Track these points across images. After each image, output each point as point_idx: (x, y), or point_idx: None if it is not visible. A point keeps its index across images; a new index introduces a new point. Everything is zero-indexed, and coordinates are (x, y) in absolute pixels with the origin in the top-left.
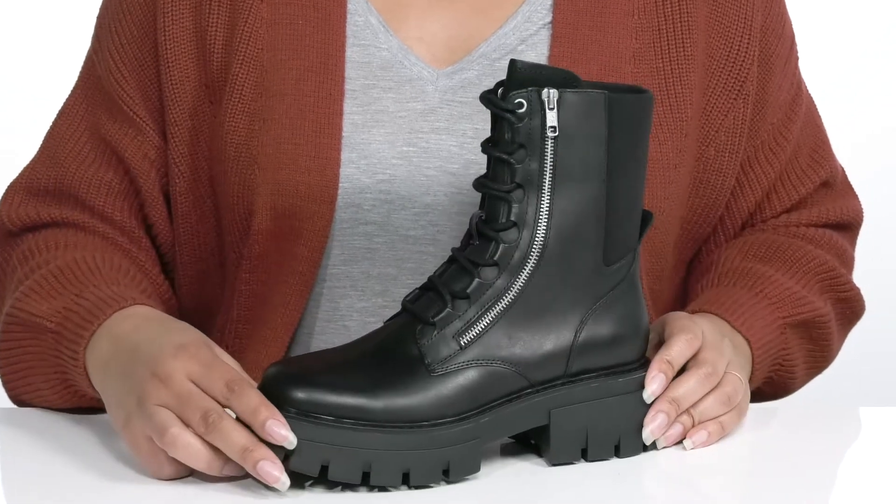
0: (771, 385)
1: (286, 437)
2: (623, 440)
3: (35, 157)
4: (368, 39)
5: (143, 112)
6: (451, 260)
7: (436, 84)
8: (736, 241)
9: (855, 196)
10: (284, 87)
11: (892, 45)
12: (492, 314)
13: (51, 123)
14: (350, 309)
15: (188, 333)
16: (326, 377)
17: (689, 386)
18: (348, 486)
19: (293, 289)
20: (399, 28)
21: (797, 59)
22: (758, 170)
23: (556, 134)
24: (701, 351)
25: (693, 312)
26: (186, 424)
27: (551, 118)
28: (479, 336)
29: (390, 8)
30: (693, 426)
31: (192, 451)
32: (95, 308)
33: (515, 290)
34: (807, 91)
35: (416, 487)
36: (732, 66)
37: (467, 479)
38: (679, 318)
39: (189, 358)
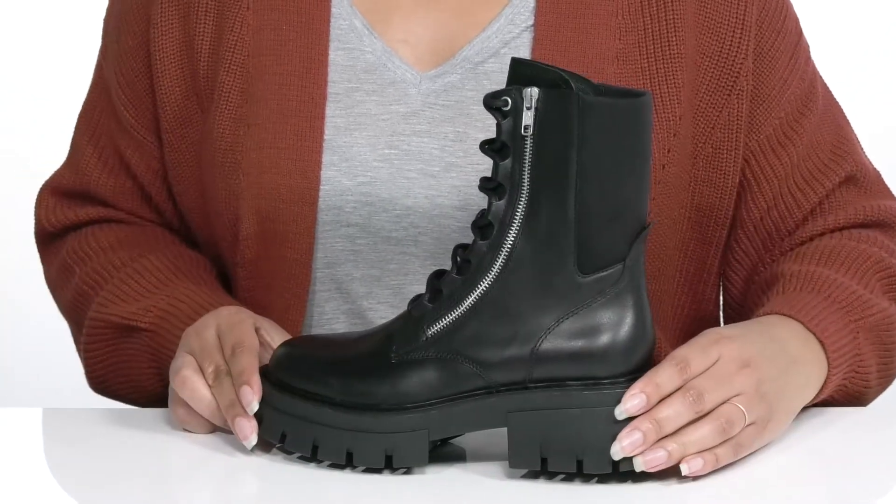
0: (845, 395)
1: (250, 402)
2: (587, 454)
3: (63, 163)
4: (353, 43)
5: (138, 126)
6: None
7: (419, 87)
8: (788, 255)
9: (892, 197)
10: (268, 92)
11: (893, 43)
12: (458, 310)
13: (75, 125)
14: (337, 311)
15: (243, 307)
16: (311, 358)
17: (675, 409)
18: (336, 467)
19: (290, 293)
20: (384, 30)
21: (807, 55)
22: (764, 164)
23: (532, 134)
24: (698, 378)
25: (766, 314)
26: (202, 372)
27: (527, 117)
28: (444, 330)
29: (375, 10)
30: (682, 456)
31: (198, 395)
32: (192, 312)
33: (481, 289)
34: (826, 91)
35: (363, 470)
36: (724, 63)
37: (464, 480)
38: (693, 343)
39: (226, 315)
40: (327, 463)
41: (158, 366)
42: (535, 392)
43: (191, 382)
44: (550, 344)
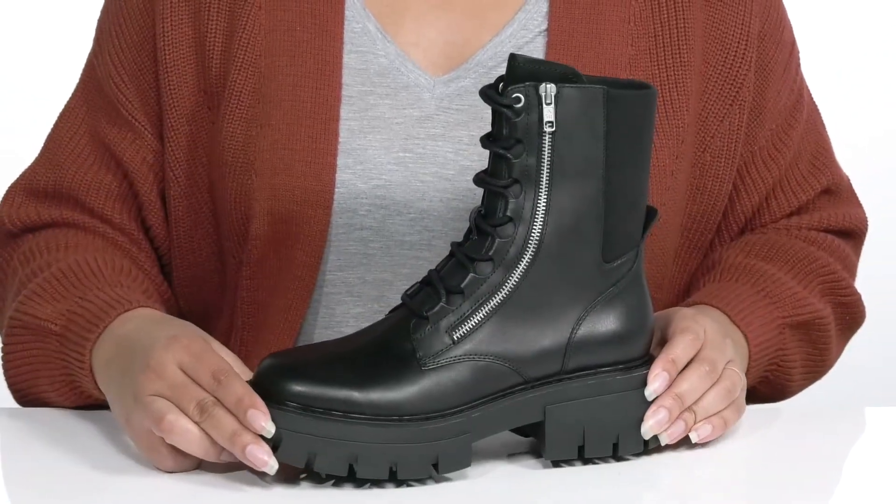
0: (767, 386)
1: (264, 426)
2: (622, 437)
3: (36, 159)
4: (366, 46)
5: (141, 116)
6: (451, 255)
7: (432, 91)
8: (739, 241)
9: (859, 205)
10: (281, 94)
11: (893, 45)
12: (485, 309)
13: (52, 125)
14: (346, 315)
15: (183, 327)
16: (318, 370)
17: (692, 382)
18: (339, 482)
19: (294, 294)
20: (396, 34)
21: (798, 65)
22: (755, 174)
23: (553, 129)
24: (702, 349)
25: (694, 304)
26: (183, 412)
27: (548, 113)
28: (472, 331)
29: (387, 14)
30: (695, 422)
31: (190, 437)
32: (100, 311)
33: (510, 285)
34: (809, 98)
35: (405, 483)
36: (729, 73)
37: (467, 480)
38: (682, 317)
39: (180, 348)
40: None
41: (69, 373)
42: (570, 382)
43: (179, 426)
44: (584, 333)
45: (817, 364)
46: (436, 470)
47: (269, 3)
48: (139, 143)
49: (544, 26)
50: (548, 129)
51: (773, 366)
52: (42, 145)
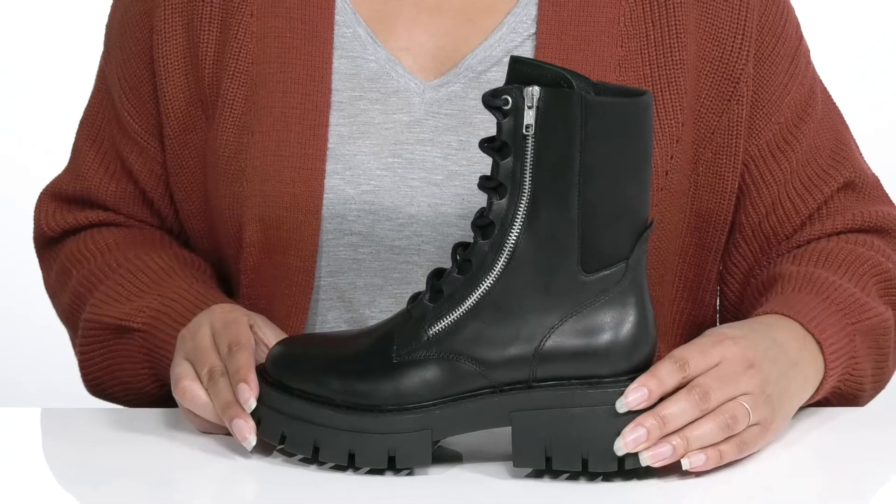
0: (839, 397)
1: (247, 399)
2: (592, 453)
3: (64, 168)
4: (357, 51)
5: (142, 130)
6: None
7: (422, 96)
8: (785, 256)
9: (891, 204)
10: (272, 100)
11: (893, 43)
12: (460, 310)
13: (75, 132)
14: (339, 320)
15: (237, 304)
16: (312, 354)
17: (680, 407)
18: (338, 468)
19: (293, 300)
20: (387, 39)
21: (807, 59)
22: (763, 169)
23: (532, 133)
24: (700, 376)
25: (764, 314)
26: (198, 377)
27: (528, 116)
28: (445, 330)
29: (378, 19)
30: (686, 450)
31: (199, 402)
32: (186, 311)
33: (483, 288)
34: (826, 96)
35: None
36: (725, 68)
37: (467, 479)
38: (697, 342)
39: (220, 314)
40: (329, 464)
41: (153, 366)
42: (538, 391)
43: (190, 391)
44: (554, 343)
45: (883, 371)
46: (393, 463)
47: (261, 10)
48: (145, 157)
49: (533, 30)
50: (528, 132)
51: (846, 375)
52: (70, 153)
